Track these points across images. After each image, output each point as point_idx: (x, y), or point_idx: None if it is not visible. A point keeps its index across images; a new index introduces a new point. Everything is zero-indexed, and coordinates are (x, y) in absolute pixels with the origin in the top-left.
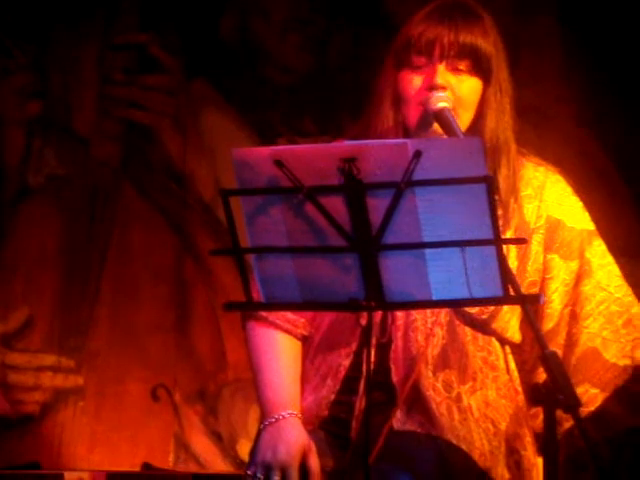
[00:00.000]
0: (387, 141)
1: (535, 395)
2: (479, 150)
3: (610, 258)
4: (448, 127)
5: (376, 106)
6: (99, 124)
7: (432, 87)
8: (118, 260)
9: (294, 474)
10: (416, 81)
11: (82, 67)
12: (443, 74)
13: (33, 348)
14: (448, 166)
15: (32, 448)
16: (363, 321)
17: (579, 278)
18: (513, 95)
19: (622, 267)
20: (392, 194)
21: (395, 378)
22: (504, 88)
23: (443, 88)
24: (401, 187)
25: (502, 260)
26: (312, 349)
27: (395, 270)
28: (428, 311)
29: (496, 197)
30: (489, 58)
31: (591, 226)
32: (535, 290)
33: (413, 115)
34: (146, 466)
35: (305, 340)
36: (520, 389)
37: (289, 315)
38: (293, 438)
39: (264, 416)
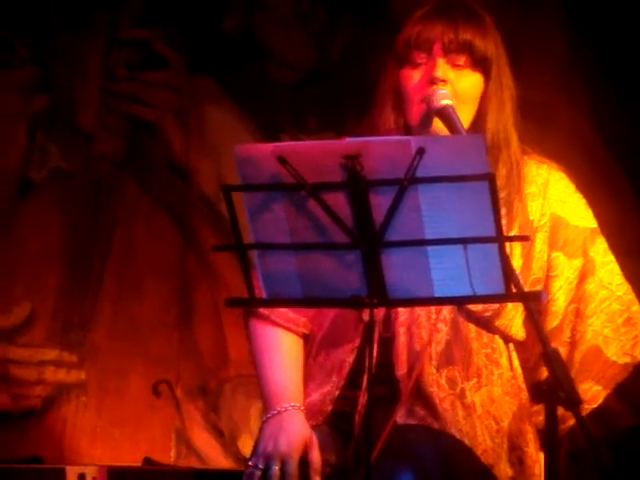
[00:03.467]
0: (390, 138)
1: (537, 392)
2: (481, 147)
3: (611, 256)
4: (451, 124)
5: (378, 108)
6: (103, 120)
7: (432, 80)
8: (121, 255)
9: (294, 465)
10: (416, 76)
11: (86, 62)
12: (443, 68)
13: (36, 343)
14: (451, 163)
15: (34, 442)
16: (366, 317)
17: (583, 276)
18: (515, 92)
19: (626, 266)
20: (395, 191)
21: (398, 373)
22: (505, 85)
23: (443, 81)
24: (404, 184)
25: (504, 257)
26: (315, 346)
27: (397, 267)
28: (432, 308)
29: (500, 195)
30: (488, 55)
31: (594, 224)
32: (539, 288)
33: (414, 112)
34: (147, 461)
35: (306, 338)
36: (524, 386)
37: (290, 314)
38: (294, 430)
39: (267, 410)
